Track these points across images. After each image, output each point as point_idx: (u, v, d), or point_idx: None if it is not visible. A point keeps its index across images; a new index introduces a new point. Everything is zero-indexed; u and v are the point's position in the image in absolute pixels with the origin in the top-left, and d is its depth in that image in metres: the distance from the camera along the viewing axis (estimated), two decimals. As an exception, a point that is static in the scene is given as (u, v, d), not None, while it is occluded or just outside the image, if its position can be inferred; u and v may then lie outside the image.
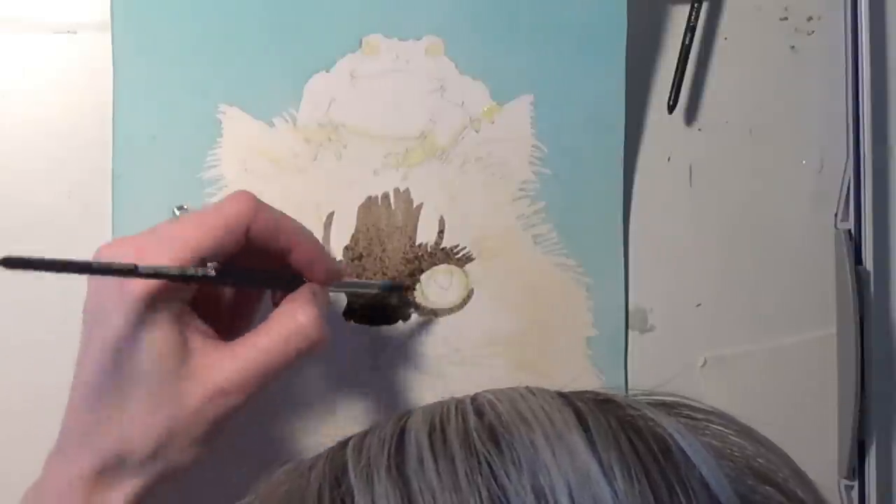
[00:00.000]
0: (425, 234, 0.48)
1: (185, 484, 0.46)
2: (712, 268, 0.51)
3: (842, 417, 0.51)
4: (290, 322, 0.39)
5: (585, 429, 0.23)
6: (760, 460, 0.25)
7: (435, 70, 0.48)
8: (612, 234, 0.50)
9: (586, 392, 0.26)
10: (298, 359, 0.39)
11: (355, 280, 0.46)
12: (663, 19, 0.51)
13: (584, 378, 0.49)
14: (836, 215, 0.52)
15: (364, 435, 0.25)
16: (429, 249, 0.48)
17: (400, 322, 0.49)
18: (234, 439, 0.46)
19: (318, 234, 0.48)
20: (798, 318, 0.52)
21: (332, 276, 0.42)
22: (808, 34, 0.52)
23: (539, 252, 0.49)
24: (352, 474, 0.23)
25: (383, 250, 0.48)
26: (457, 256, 0.49)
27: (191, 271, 0.37)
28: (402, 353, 0.49)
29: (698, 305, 0.51)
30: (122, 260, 0.36)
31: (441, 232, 0.49)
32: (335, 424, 0.48)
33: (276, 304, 0.42)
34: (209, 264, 0.37)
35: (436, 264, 0.48)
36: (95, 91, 0.47)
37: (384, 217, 0.48)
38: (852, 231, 0.50)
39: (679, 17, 0.50)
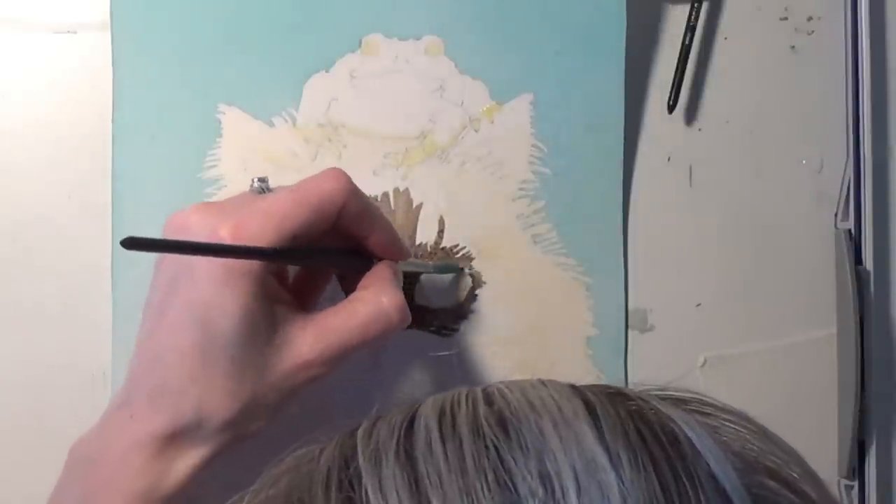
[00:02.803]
0: (425, 234, 0.48)
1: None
2: (712, 268, 0.51)
3: (842, 417, 0.51)
4: (374, 303, 0.39)
5: (594, 417, 0.23)
6: (772, 457, 0.25)
7: (434, 70, 0.48)
8: (612, 234, 0.50)
9: (599, 385, 0.26)
10: (379, 339, 0.39)
11: (415, 261, 0.47)
12: (663, 19, 0.51)
13: (583, 378, 0.49)
14: (836, 215, 0.52)
15: (374, 421, 0.25)
16: (428, 249, 0.48)
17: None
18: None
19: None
20: (798, 318, 0.52)
21: (399, 257, 0.43)
22: (808, 34, 0.52)
23: (539, 251, 0.49)
24: (360, 457, 0.23)
25: (383, 250, 0.48)
26: (456, 256, 0.49)
27: (287, 249, 0.37)
28: (402, 353, 0.49)
29: (698, 305, 0.51)
30: (219, 232, 0.36)
31: (441, 231, 0.49)
32: (334, 424, 0.48)
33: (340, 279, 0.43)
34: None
35: (435, 264, 0.48)
36: (95, 91, 0.47)
37: (384, 217, 0.48)
38: (852, 231, 0.50)
39: (679, 17, 0.50)
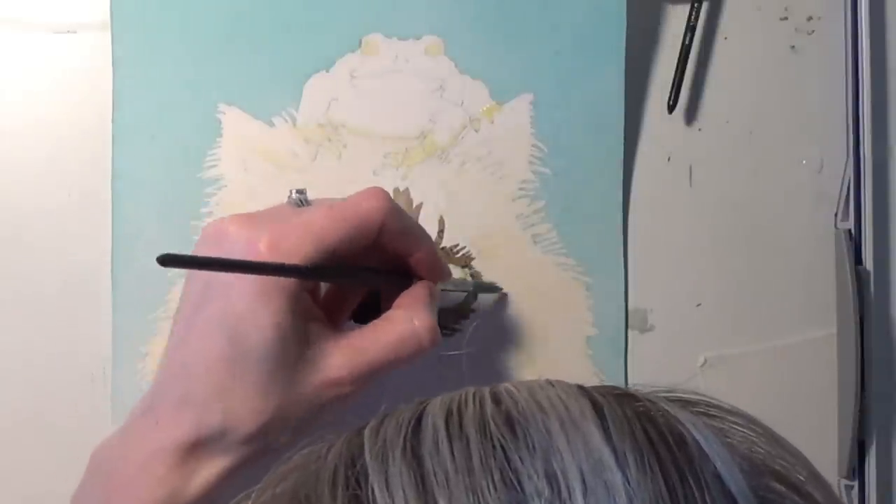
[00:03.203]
0: (425, 234, 0.48)
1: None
2: (712, 268, 0.51)
3: (842, 417, 0.51)
4: (407, 325, 0.39)
5: (601, 418, 0.23)
6: (779, 461, 0.25)
7: (434, 70, 0.48)
8: (612, 234, 0.50)
9: (606, 386, 0.26)
10: (409, 360, 0.39)
11: (455, 279, 0.47)
12: (663, 19, 0.51)
13: (584, 378, 0.49)
14: (836, 215, 0.52)
15: (382, 419, 0.25)
16: (428, 249, 0.48)
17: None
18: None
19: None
20: (798, 318, 0.52)
21: (438, 277, 0.43)
22: (808, 34, 0.52)
23: (539, 251, 0.49)
24: (367, 455, 0.23)
25: (383, 250, 0.48)
26: (456, 256, 0.49)
27: (323, 267, 0.37)
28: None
29: (698, 305, 0.51)
30: (257, 245, 0.36)
31: (441, 231, 0.49)
32: (334, 425, 0.48)
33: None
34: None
35: (435, 264, 0.48)
36: (95, 91, 0.47)
37: (384, 217, 0.48)
38: (852, 231, 0.50)
39: (679, 17, 0.50)
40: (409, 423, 0.24)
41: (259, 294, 0.36)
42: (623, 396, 0.25)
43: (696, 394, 0.27)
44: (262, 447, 0.38)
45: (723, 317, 0.51)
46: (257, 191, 0.47)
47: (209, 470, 0.37)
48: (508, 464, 0.22)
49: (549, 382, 0.26)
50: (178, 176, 0.47)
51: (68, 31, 0.47)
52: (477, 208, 0.49)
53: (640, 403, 0.25)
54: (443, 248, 0.49)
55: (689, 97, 0.51)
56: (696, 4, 0.50)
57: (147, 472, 0.36)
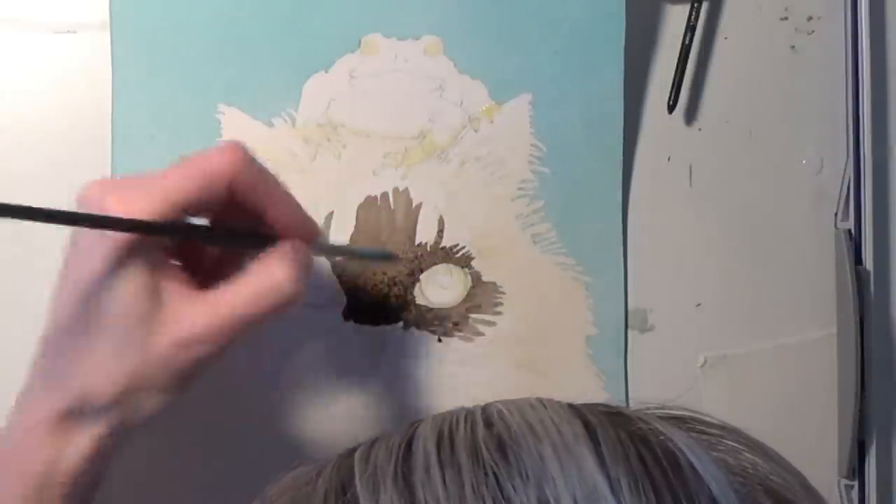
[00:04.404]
0: (425, 234, 0.48)
1: (185, 487, 0.46)
2: (712, 268, 0.51)
3: (842, 417, 0.51)
4: (266, 277, 0.38)
5: (594, 442, 0.23)
6: (773, 478, 0.25)
7: (434, 69, 0.48)
8: (612, 234, 0.50)
9: (598, 405, 0.26)
10: (271, 314, 0.38)
11: (338, 245, 0.45)
12: (663, 19, 0.51)
13: (583, 377, 0.49)
14: (836, 215, 0.52)
15: (372, 443, 0.25)
16: (428, 249, 0.48)
17: (401, 322, 0.49)
18: (234, 441, 0.46)
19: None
20: (798, 318, 0.52)
21: (307, 235, 0.40)
22: (808, 34, 0.52)
23: (538, 251, 0.49)
24: (358, 482, 0.23)
25: (383, 250, 0.48)
26: (456, 255, 0.49)
27: (165, 223, 0.36)
28: (402, 353, 0.49)
29: (698, 305, 0.51)
30: (104, 204, 0.35)
31: (440, 231, 0.49)
32: (334, 425, 0.48)
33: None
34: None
35: (435, 263, 0.48)
36: (95, 91, 0.47)
37: (383, 217, 0.48)
38: (852, 231, 0.50)
39: (679, 16, 0.50)
40: (400, 447, 0.24)
41: (113, 258, 0.35)
42: (615, 416, 0.25)
43: (689, 410, 0.26)
44: (130, 414, 0.37)
45: (723, 317, 0.51)
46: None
47: (81, 440, 0.37)
48: (501, 492, 0.22)
49: (541, 402, 0.25)
50: (177, 176, 0.47)
51: (68, 31, 0.47)
52: (476, 208, 0.49)
53: (633, 424, 0.24)
54: (442, 248, 0.49)
55: (689, 97, 0.51)
56: (696, 4, 0.50)
57: (23, 447, 0.36)
